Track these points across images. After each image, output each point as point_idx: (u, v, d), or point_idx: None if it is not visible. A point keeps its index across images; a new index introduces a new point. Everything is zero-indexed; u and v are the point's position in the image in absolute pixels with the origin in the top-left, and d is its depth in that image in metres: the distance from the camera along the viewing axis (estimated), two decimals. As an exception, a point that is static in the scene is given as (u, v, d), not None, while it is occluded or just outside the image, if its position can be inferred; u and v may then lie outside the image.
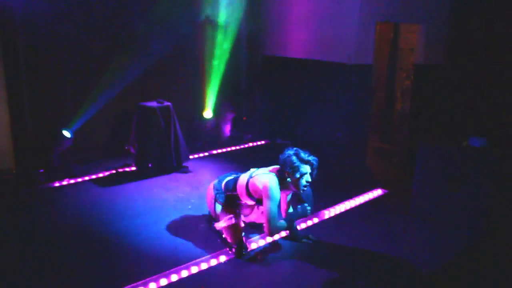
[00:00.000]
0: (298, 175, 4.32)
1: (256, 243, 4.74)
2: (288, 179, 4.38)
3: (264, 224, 4.40)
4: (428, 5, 7.88)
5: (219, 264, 4.36)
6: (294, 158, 4.32)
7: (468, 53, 8.14)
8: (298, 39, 8.37)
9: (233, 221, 4.53)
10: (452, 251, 4.78)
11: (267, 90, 9.26)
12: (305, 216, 4.61)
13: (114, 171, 6.98)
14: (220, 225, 4.57)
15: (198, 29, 8.42)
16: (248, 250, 4.53)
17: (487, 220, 5.21)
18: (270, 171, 4.50)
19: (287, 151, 4.44)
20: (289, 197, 4.68)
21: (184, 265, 4.26)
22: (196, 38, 8.44)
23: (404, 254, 4.68)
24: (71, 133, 6.89)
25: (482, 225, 5.20)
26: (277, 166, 4.48)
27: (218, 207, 4.73)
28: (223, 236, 4.66)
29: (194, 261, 4.34)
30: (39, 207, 5.72)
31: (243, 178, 4.57)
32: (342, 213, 5.71)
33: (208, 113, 8.75)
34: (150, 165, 7.03)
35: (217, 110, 8.87)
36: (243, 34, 9.10)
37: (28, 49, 6.51)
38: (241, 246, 4.43)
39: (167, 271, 4.15)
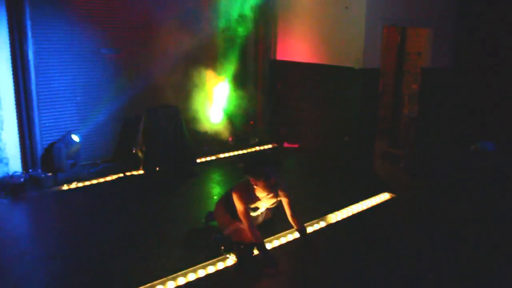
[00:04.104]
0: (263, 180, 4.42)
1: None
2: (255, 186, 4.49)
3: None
4: (435, 9, 7.88)
5: (226, 268, 4.38)
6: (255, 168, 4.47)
7: (476, 57, 8.12)
8: (306, 44, 8.39)
9: (240, 225, 4.59)
10: (458, 256, 4.76)
11: (274, 94, 9.27)
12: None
13: (122, 175, 7.02)
14: (229, 231, 4.61)
15: (206, 35, 8.46)
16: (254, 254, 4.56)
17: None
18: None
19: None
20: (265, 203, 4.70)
21: (191, 269, 4.28)
22: (205, 43, 8.47)
23: (410, 258, 4.67)
24: (80, 137, 6.94)
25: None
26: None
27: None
28: (233, 240, 4.67)
29: (201, 265, 4.35)
30: (48, 210, 5.77)
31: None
32: (349, 217, 5.70)
33: (215, 118, 8.79)
34: (157, 168, 7.06)
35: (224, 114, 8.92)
36: (250, 38, 9.12)
37: (38, 52, 6.58)
38: (250, 247, 4.48)
39: (174, 274, 4.17)
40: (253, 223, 4.55)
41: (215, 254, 4.54)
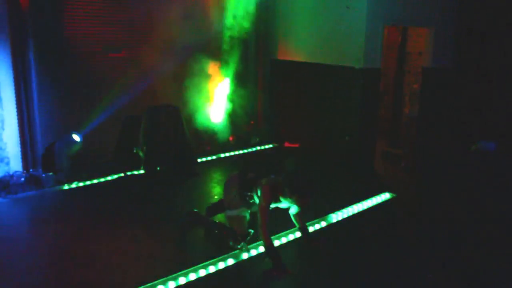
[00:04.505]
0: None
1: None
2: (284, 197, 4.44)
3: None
4: (436, 9, 7.87)
5: (227, 268, 4.38)
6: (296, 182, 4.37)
7: (476, 57, 8.12)
8: (307, 43, 8.39)
9: (243, 214, 4.63)
10: (458, 256, 4.76)
11: (275, 93, 9.27)
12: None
13: (122, 174, 7.02)
14: (231, 214, 4.64)
15: (208, 35, 8.45)
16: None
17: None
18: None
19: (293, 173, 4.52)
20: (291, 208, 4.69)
21: (192, 268, 4.28)
22: (206, 42, 8.46)
23: (410, 258, 4.67)
24: (81, 137, 6.94)
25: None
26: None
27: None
28: (230, 225, 4.70)
29: (201, 264, 4.35)
30: (48, 210, 5.77)
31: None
32: (350, 217, 5.70)
33: (216, 117, 8.78)
34: (158, 168, 7.06)
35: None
36: (251, 38, 9.12)
37: (38, 52, 6.59)
38: (244, 236, 4.58)
39: (174, 274, 4.17)
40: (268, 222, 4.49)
41: (217, 254, 4.53)
